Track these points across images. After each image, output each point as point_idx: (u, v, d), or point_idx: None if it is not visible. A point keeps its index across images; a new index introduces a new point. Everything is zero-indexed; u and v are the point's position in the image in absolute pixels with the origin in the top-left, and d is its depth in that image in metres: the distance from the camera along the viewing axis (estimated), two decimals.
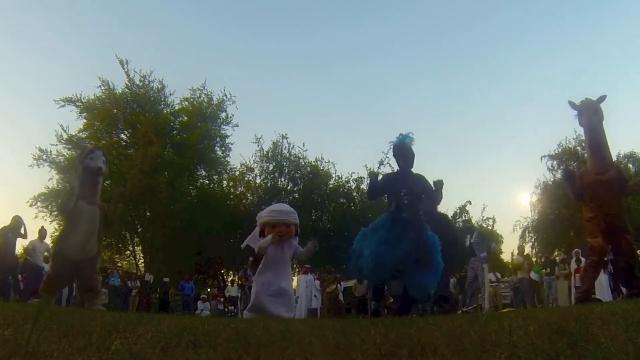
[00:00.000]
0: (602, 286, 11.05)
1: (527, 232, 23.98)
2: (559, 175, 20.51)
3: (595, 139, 5.28)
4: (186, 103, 20.77)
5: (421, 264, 4.47)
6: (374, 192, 5.26)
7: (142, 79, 20.04)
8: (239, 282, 14.56)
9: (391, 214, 4.69)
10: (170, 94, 20.79)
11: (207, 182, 21.92)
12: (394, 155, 4.99)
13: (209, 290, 18.25)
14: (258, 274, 4.98)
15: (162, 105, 20.84)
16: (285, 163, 21.61)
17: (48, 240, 11.30)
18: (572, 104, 5.37)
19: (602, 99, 5.28)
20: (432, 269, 4.54)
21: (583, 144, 21.39)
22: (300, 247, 5.05)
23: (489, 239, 8.83)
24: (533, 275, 14.54)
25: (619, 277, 9.15)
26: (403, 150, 4.85)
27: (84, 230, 5.39)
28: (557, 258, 14.57)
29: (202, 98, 20.71)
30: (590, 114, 5.20)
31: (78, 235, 5.38)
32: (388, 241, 4.46)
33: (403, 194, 4.61)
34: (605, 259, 7.06)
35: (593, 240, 5.25)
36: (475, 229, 8.96)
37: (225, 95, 20.70)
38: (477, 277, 8.46)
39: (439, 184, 4.84)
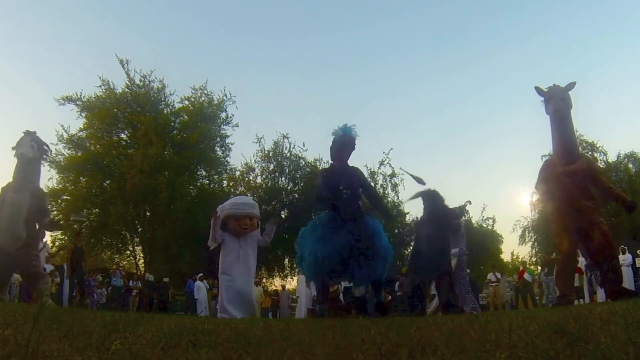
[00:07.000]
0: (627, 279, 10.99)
1: (527, 232, 23.96)
2: None
3: (563, 127, 4.82)
4: (187, 102, 20.78)
5: (367, 255, 4.27)
6: (320, 194, 4.71)
7: (143, 79, 20.05)
8: None
9: (330, 210, 4.54)
10: (171, 94, 20.81)
11: (207, 182, 21.88)
12: (334, 147, 4.64)
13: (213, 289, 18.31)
14: (221, 272, 4.99)
15: (163, 105, 20.82)
16: (285, 163, 21.59)
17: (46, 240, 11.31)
18: (539, 90, 4.93)
19: (571, 86, 4.85)
20: (378, 257, 4.34)
21: (584, 143, 21.42)
22: (259, 235, 5.06)
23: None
24: (526, 276, 14.57)
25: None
26: (346, 144, 4.59)
27: (6, 217, 5.44)
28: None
29: (202, 98, 20.73)
30: (558, 101, 4.76)
31: (1, 223, 5.45)
32: (324, 237, 4.31)
33: (342, 188, 4.47)
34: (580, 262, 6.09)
35: (556, 241, 4.80)
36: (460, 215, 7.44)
37: (226, 95, 20.73)
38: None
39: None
